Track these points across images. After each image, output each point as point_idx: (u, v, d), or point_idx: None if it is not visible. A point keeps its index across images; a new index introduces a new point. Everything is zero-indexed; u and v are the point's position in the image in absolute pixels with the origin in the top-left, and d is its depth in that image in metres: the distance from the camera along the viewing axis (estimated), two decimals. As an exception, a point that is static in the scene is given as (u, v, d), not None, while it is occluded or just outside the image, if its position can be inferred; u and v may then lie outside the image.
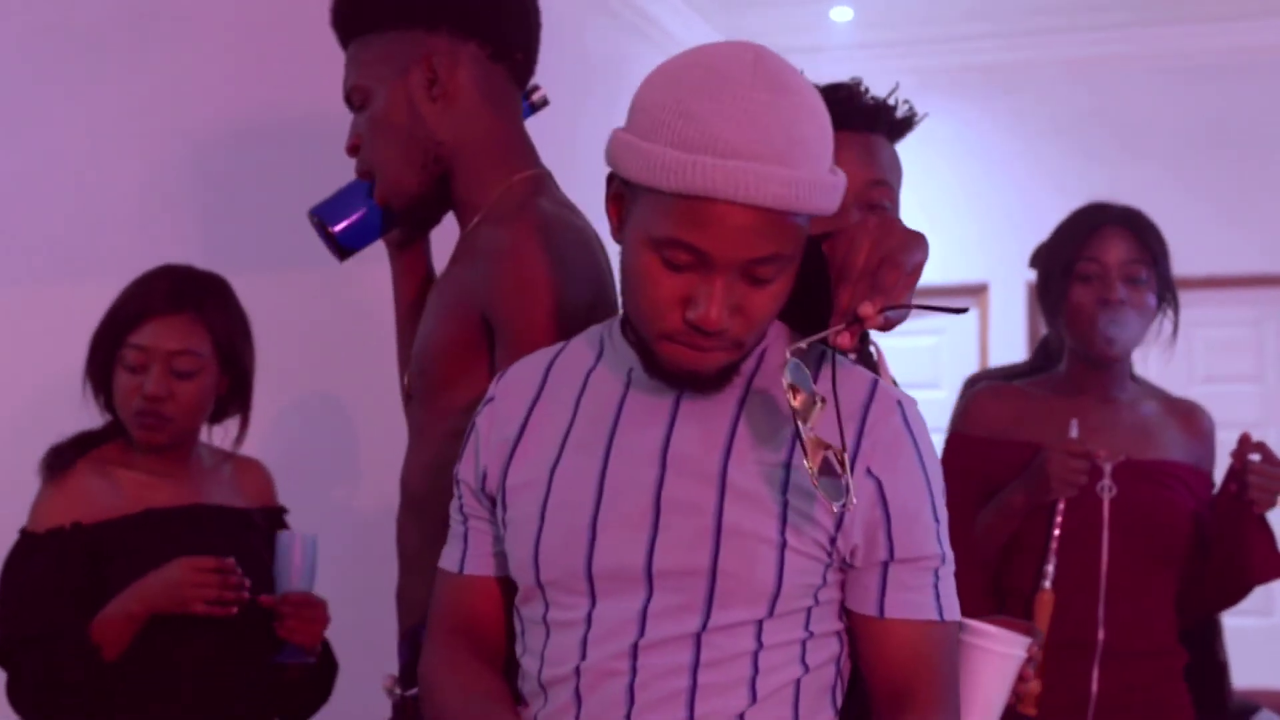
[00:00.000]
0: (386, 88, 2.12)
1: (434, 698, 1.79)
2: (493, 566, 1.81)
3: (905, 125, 2.19)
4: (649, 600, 1.64)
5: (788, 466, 1.63)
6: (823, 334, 1.61)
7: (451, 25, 2.12)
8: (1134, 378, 3.00)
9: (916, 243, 1.68)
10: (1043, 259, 2.95)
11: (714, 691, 1.63)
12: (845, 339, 1.60)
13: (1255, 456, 2.73)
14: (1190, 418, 2.93)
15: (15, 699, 2.60)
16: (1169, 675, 2.83)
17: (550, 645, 1.70)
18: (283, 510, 2.86)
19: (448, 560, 1.84)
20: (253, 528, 2.76)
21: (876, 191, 2.13)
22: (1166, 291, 2.85)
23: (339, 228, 2.21)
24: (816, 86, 2.09)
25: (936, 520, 1.68)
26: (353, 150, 2.19)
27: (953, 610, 1.70)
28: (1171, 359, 3.02)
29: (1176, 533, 2.79)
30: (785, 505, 1.62)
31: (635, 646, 1.64)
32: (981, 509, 2.83)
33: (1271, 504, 2.71)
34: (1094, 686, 2.76)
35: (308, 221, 2.25)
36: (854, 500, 1.54)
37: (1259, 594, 3.00)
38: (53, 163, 3.57)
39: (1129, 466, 2.81)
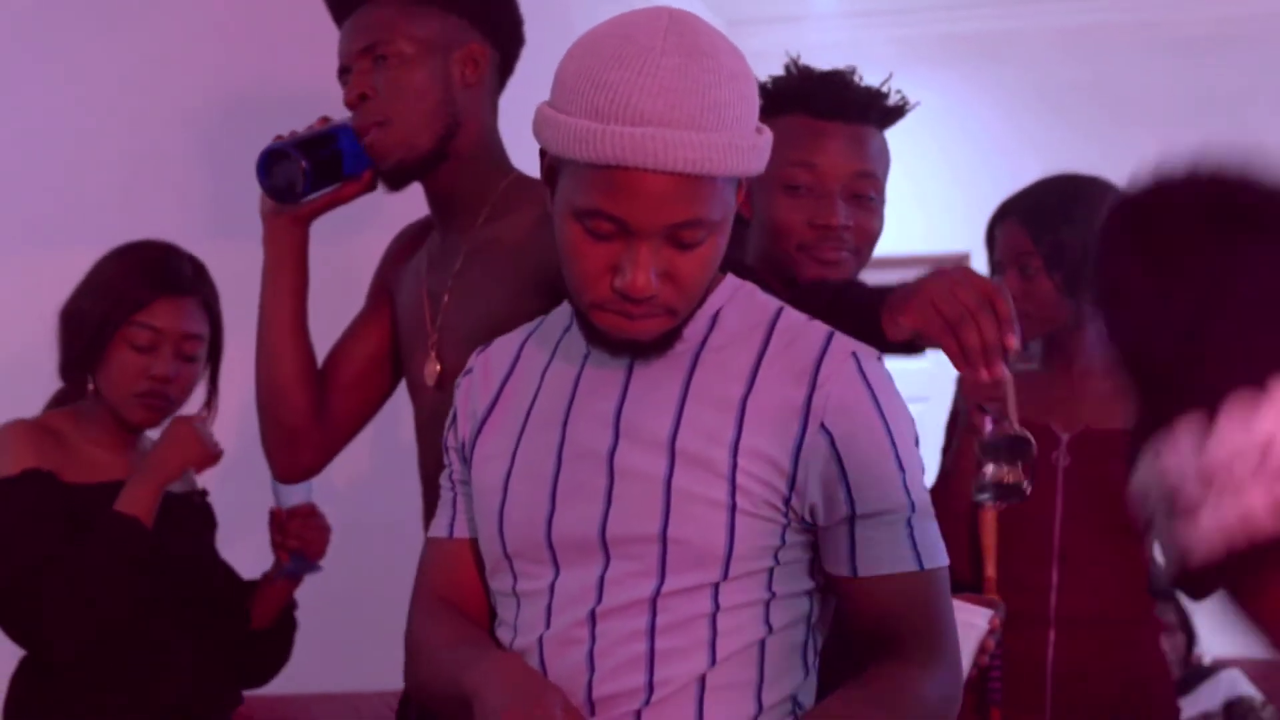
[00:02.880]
0: (427, 56, 2.24)
1: (421, 654, 1.81)
2: (473, 529, 1.83)
3: (896, 114, 2.22)
4: (606, 567, 1.65)
5: (738, 428, 1.64)
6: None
7: (489, 30, 2.29)
8: None
9: (1003, 288, 1.77)
10: None
11: (673, 655, 1.64)
12: (997, 370, 1.73)
13: None
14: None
15: (34, 629, 2.50)
16: (1135, 644, 2.84)
17: (520, 616, 1.72)
18: (204, 492, 2.84)
19: (437, 528, 1.87)
20: (194, 509, 2.76)
21: (863, 183, 2.17)
22: (1059, 273, 2.83)
23: (310, 165, 2.24)
24: (811, 72, 2.21)
25: (901, 470, 1.66)
26: (359, 101, 2.25)
27: (934, 557, 1.68)
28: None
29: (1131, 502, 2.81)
30: (734, 468, 1.63)
31: (593, 613, 1.65)
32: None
33: None
34: (1050, 654, 2.78)
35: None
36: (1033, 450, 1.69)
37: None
38: (39, 133, 3.56)
39: (1087, 437, 2.83)
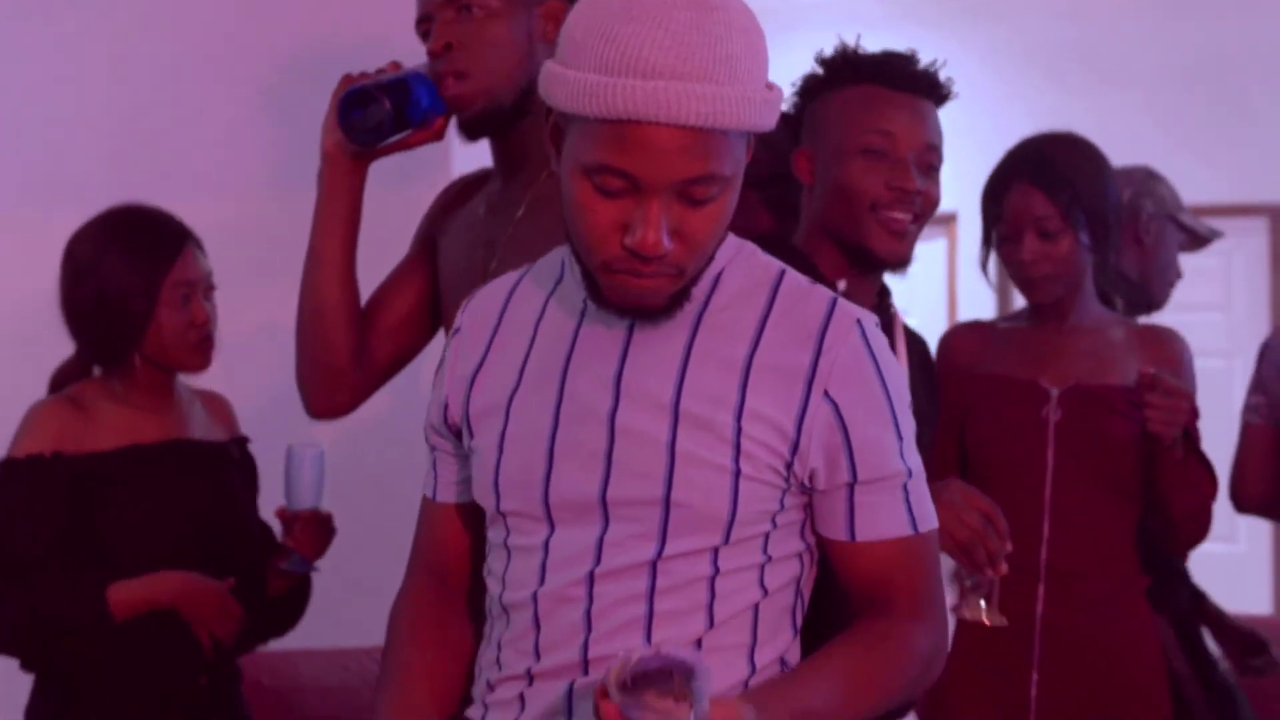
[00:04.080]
0: (512, 10, 2.29)
1: (386, 645, 1.86)
2: (456, 494, 1.84)
3: (946, 98, 2.37)
4: (605, 529, 1.65)
5: (742, 391, 1.63)
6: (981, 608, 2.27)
7: None
8: (1111, 304, 3.02)
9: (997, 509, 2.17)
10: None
11: (671, 618, 1.64)
12: (1000, 570, 2.15)
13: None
14: (1158, 344, 2.95)
15: None
16: (1123, 596, 2.86)
17: (510, 569, 1.72)
18: (245, 439, 2.91)
19: (425, 487, 1.88)
20: (229, 460, 2.83)
21: (931, 154, 2.32)
22: (1092, 231, 2.84)
23: (393, 109, 2.28)
24: (869, 54, 2.31)
25: (900, 437, 1.68)
26: (443, 49, 2.29)
27: (927, 519, 1.71)
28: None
29: (1124, 457, 2.82)
30: (739, 432, 1.62)
31: (591, 574, 1.65)
32: (957, 441, 2.88)
33: (1173, 432, 2.72)
34: (1039, 607, 2.80)
35: (342, 103, 2.30)
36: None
37: (1223, 521, 3.03)
38: (24, 91, 3.56)
39: (1077, 392, 2.84)
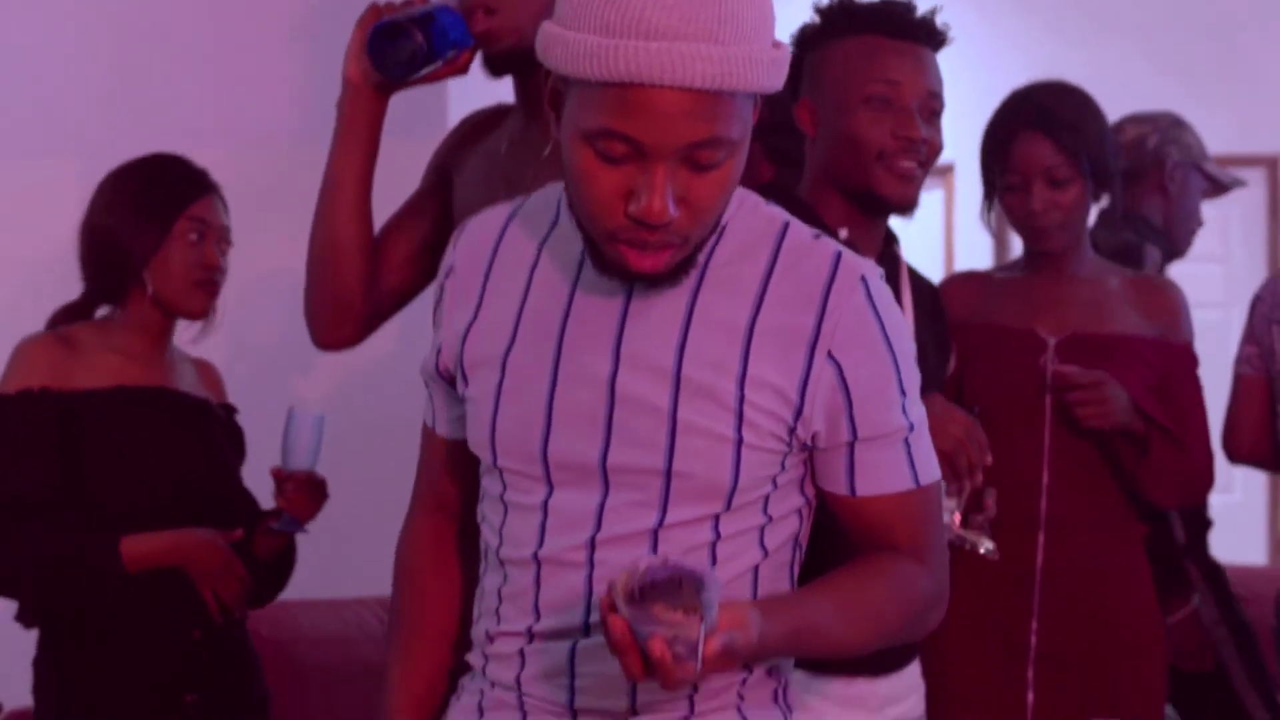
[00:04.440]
0: None
1: (394, 592, 1.87)
2: (451, 430, 1.81)
3: (944, 43, 2.39)
4: (605, 496, 1.63)
5: (744, 357, 1.61)
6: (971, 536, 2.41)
7: None
8: (1137, 257, 3.04)
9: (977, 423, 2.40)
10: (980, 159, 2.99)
11: None
12: (977, 480, 2.35)
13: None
14: (1154, 293, 2.95)
15: None
16: (1121, 545, 2.88)
17: (508, 525, 1.70)
18: (233, 408, 2.92)
19: (425, 416, 1.86)
20: (214, 417, 2.84)
21: (934, 101, 2.36)
22: (1096, 177, 2.85)
23: (424, 42, 2.27)
24: (867, 4, 2.33)
25: (903, 392, 1.65)
26: None
27: (929, 472, 1.69)
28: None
29: None
30: (741, 400, 1.60)
31: (593, 540, 1.64)
32: (956, 390, 2.87)
33: (1108, 419, 2.74)
34: (1039, 557, 2.81)
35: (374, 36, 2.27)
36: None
37: (1219, 471, 3.03)
38: (24, 43, 3.54)
39: (1075, 340, 2.84)
